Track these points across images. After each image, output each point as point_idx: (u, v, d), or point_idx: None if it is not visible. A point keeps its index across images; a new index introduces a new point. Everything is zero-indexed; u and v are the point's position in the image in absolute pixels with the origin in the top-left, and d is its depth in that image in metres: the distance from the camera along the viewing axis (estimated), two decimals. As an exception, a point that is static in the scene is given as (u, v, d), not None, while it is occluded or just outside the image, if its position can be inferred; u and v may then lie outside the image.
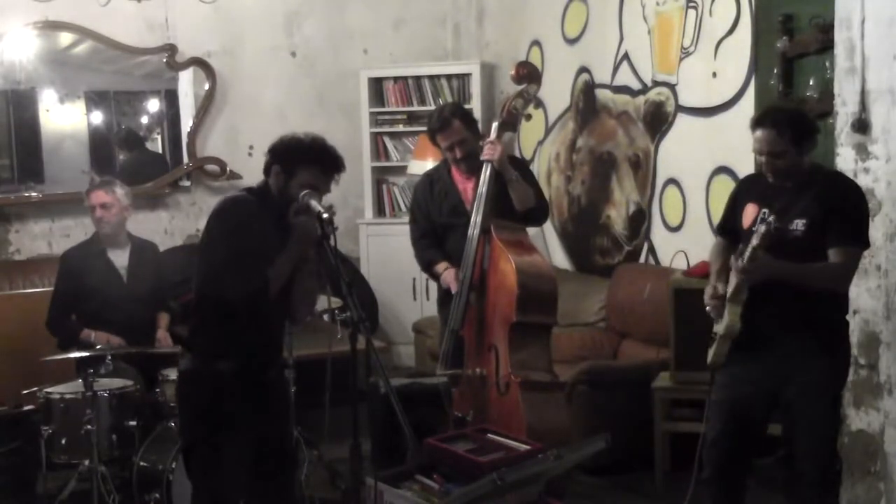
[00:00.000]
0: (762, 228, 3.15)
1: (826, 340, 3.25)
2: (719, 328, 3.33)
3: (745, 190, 3.47)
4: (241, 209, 2.96)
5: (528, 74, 4.21)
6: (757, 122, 3.26)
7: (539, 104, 6.35)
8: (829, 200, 3.18)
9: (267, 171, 3.01)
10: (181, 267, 4.73)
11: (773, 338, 3.26)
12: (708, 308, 3.37)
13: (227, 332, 2.95)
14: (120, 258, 4.65)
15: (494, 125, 4.13)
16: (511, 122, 4.20)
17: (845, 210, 3.19)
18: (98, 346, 4.19)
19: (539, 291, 3.95)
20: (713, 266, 3.50)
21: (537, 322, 3.97)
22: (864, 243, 3.26)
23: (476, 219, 4.04)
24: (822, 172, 3.32)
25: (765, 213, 3.26)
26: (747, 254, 3.15)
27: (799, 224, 3.20)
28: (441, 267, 4.20)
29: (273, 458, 3.09)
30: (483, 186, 4.05)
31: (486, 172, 4.05)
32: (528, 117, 4.55)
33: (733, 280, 3.27)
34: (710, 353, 3.37)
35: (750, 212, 3.34)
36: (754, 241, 3.14)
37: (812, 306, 3.19)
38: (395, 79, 6.68)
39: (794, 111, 3.41)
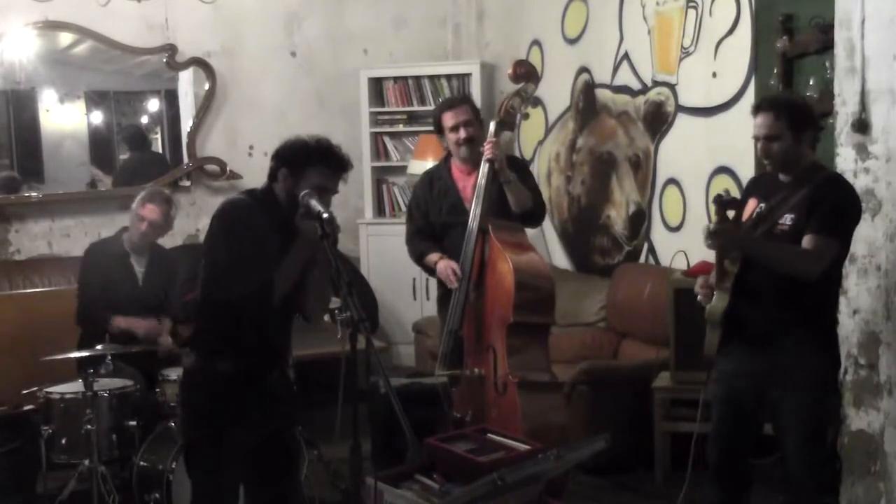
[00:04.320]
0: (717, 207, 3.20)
1: (812, 341, 3.25)
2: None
3: (752, 187, 3.51)
4: (241, 212, 2.96)
5: (526, 73, 4.21)
6: (757, 107, 3.31)
7: (539, 104, 6.35)
8: (816, 196, 3.19)
9: (273, 175, 3.00)
10: (187, 265, 4.74)
11: (760, 335, 3.27)
12: (698, 297, 3.38)
13: (229, 333, 2.96)
14: (139, 262, 4.68)
15: (492, 124, 4.13)
16: (509, 122, 4.20)
17: (827, 202, 3.19)
18: (99, 346, 4.17)
19: (536, 291, 3.95)
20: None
21: (535, 322, 3.97)
22: (839, 237, 3.22)
23: (476, 211, 4.05)
24: (822, 172, 3.31)
25: (761, 206, 3.28)
26: (714, 220, 3.20)
27: (787, 219, 3.23)
28: (434, 257, 4.19)
29: (275, 459, 3.09)
30: (483, 179, 4.05)
31: (484, 167, 4.06)
32: (526, 116, 4.55)
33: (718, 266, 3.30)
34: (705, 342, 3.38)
35: (750, 206, 3.36)
36: (714, 215, 3.21)
37: (800, 305, 3.20)
38: (395, 79, 6.68)
39: (794, 99, 3.45)
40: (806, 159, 3.27)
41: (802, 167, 3.26)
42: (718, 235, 3.18)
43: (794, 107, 3.27)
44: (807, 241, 3.17)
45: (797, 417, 3.26)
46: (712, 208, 3.25)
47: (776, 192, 3.29)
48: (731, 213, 3.26)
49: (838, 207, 3.21)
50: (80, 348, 4.32)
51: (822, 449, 3.42)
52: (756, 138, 3.28)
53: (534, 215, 4.23)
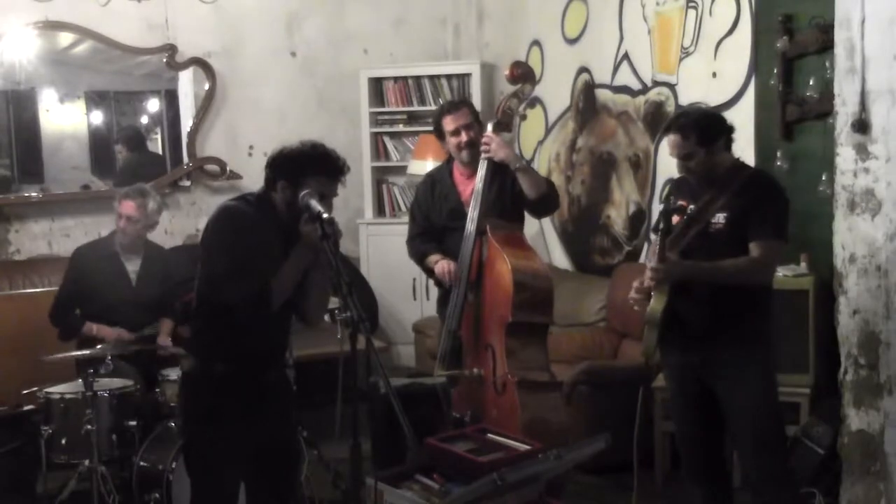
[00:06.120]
0: (656, 236, 3.30)
1: (746, 334, 3.31)
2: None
3: (676, 189, 3.55)
4: (235, 218, 2.95)
5: (523, 74, 4.21)
6: (665, 129, 3.43)
7: (539, 104, 6.36)
8: (748, 196, 3.29)
9: (271, 185, 3.00)
10: (185, 266, 4.74)
11: (696, 329, 3.32)
12: (631, 301, 3.42)
13: (226, 336, 2.96)
14: (132, 262, 4.66)
15: (489, 126, 4.13)
16: (506, 123, 4.19)
17: (764, 205, 3.29)
18: (100, 346, 4.18)
19: (535, 291, 3.94)
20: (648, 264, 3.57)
21: (533, 321, 3.97)
22: (782, 235, 3.32)
23: (473, 214, 4.04)
24: (744, 170, 3.43)
25: (691, 209, 3.34)
26: (655, 257, 3.28)
27: (720, 217, 3.31)
28: (434, 258, 4.19)
29: (274, 459, 3.09)
30: (480, 183, 4.05)
31: (482, 169, 4.06)
32: (524, 117, 4.55)
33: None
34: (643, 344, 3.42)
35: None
36: (656, 244, 3.28)
37: (727, 299, 3.27)
38: (395, 79, 6.69)
39: (699, 113, 3.53)
40: (725, 163, 3.37)
41: (723, 170, 3.36)
42: (665, 272, 3.26)
43: (699, 123, 3.34)
44: (754, 249, 3.26)
45: (742, 416, 3.32)
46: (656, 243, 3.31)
47: (703, 193, 3.37)
48: (675, 219, 3.35)
49: (774, 208, 3.32)
50: (79, 348, 4.32)
51: (780, 436, 3.44)
52: (672, 157, 3.38)
53: (550, 198, 4.19)
